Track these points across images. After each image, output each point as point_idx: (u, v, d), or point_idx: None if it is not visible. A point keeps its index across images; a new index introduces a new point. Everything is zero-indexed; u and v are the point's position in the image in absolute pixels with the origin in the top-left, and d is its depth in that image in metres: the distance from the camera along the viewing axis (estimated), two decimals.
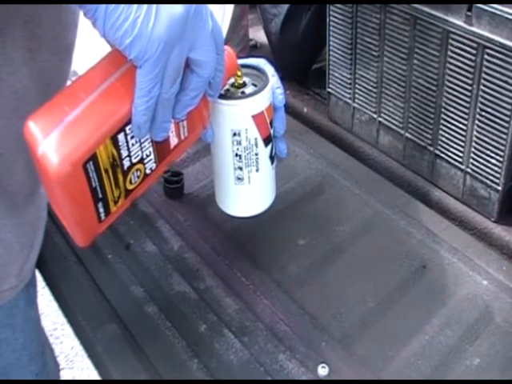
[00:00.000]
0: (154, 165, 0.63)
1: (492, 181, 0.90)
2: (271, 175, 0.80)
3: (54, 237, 0.92)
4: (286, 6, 1.22)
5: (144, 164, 0.62)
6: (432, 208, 0.98)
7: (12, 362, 0.69)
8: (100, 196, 0.59)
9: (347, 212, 0.96)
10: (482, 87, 0.86)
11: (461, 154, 0.94)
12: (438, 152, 0.98)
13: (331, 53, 1.11)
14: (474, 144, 0.91)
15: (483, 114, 0.87)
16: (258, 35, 1.38)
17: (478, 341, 0.76)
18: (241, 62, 0.71)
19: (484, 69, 0.84)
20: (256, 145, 0.73)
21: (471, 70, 0.86)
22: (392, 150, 1.07)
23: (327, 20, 1.08)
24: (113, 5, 0.48)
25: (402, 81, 0.98)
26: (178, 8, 0.50)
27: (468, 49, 0.86)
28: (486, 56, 0.83)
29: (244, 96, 0.69)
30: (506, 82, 0.82)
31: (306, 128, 1.17)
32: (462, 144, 0.93)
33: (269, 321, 0.79)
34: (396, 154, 1.06)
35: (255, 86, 0.71)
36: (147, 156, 0.62)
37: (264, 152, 0.74)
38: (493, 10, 0.81)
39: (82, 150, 0.55)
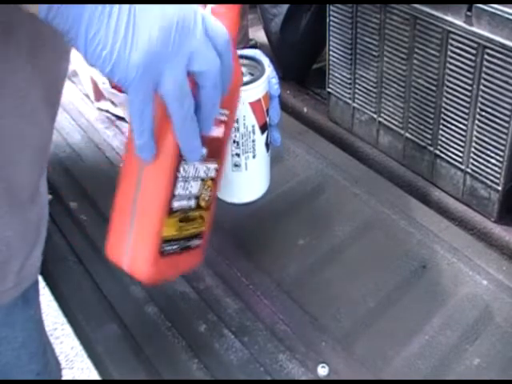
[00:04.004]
0: (214, 172, 0.66)
1: (492, 181, 0.90)
2: (267, 162, 0.84)
3: (54, 237, 0.92)
4: (285, 6, 1.22)
5: (207, 180, 0.65)
6: (432, 208, 0.98)
7: (12, 360, 0.69)
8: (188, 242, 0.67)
9: (347, 212, 0.96)
10: (481, 87, 0.86)
11: (461, 154, 0.94)
12: (437, 152, 0.98)
13: (331, 53, 1.11)
14: (473, 144, 0.91)
15: (483, 113, 0.87)
16: (258, 35, 1.38)
17: (477, 341, 0.76)
18: (237, 52, 0.72)
19: (484, 69, 0.84)
20: (253, 132, 0.76)
21: (471, 70, 0.86)
22: (392, 150, 1.07)
23: (327, 20, 1.08)
24: (92, 32, 0.48)
25: (401, 81, 0.98)
26: (155, 30, 0.49)
27: (468, 49, 0.86)
28: (485, 56, 0.83)
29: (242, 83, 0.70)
30: (506, 81, 0.82)
31: (305, 128, 1.17)
32: (462, 144, 0.93)
33: (269, 321, 0.79)
34: (396, 154, 1.06)
35: (252, 75, 0.74)
36: (206, 172, 0.65)
37: (260, 139, 0.77)
38: (493, 10, 0.81)
39: (153, 251, 0.62)
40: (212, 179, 0.66)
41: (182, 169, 0.61)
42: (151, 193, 0.62)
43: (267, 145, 0.79)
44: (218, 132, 0.63)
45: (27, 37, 0.56)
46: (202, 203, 0.66)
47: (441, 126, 0.95)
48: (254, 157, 0.81)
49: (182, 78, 0.51)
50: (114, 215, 0.64)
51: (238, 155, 0.81)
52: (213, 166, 0.65)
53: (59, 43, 0.62)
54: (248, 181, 0.85)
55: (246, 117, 0.74)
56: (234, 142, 0.80)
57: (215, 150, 0.64)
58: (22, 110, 0.58)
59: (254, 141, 0.79)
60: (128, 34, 0.48)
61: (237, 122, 0.74)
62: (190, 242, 0.68)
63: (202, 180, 0.65)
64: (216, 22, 0.54)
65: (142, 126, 0.53)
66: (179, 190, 0.62)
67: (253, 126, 0.76)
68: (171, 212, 0.63)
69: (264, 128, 0.77)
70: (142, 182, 0.62)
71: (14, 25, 0.54)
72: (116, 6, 0.48)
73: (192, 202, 0.65)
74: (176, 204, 0.63)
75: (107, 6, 0.48)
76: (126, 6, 0.48)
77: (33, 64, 0.58)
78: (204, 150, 0.61)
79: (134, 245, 0.63)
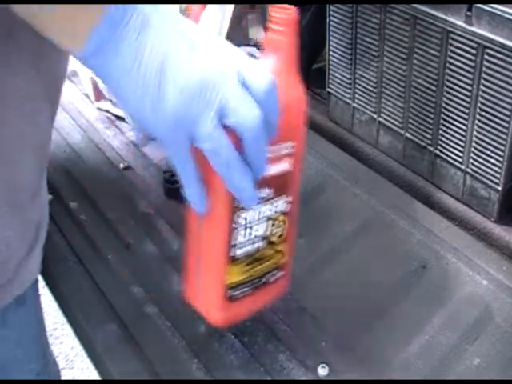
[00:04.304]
0: (285, 205, 0.64)
1: (492, 181, 0.90)
2: None
3: (54, 237, 0.92)
4: None
5: (277, 216, 0.64)
6: (432, 208, 0.98)
7: (9, 359, 0.69)
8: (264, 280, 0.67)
9: (347, 212, 0.96)
10: (481, 87, 0.86)
11: (461, 154, 0.94)
12: (437, 152, 0.98)
13: (331, 53, 1.11)
14: (474, 144, 0.91)
15: (483, 113, 0.87)
16: (258, 35, 1.38)
17: (477, 341, 0.76)
18: None
19: (484, 69, 0.84)
20: None
21: (471, 70, 0.86)
22: (392, 150, 1.07)
23: (327, 20, 1.08)
24: (124, 87, 0.49)
25: (401, 81, 0.98)
26: (183, 86, 0.49)
27: (468, 49, 0.86)
28: (485, 56, 0.83)
29: None
30: (506, 82, 0.82)
31: (305, 128, 1.17)
32: (462, 144, 0.93)
33: (269, 321, 0.79)
34: (396, 154, 1.06)
35: None
36: (274, 210, 0.63)
37: None
38: (493, 10, 0.81)
39: (220, 299, 0.63)
40: (284, 213, 0.64)
41: (240, 217, 0.60)
42: (209, 244, 0.62)
43: None
44: (281, 168, 0.61)
45: (30, 40, 0.56)
46: (274, 239, 0.65)
47: (441, 126, 0.95)
48: None
49: (214, 132, 0.50)
50: (186, 258, 0.65)
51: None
52: (282, 200, 0.63)
53: None
54: None
55: None
56: None
57: (283, 185, 0.62)
58: (22, 110, 0.58)
59: None
60: (156, 91, 0.49)
61: None
62: (265, 278, 0.66)
63: (270, 219, 0.63)
64: (256, 69, 0.52)
65: (187, 179, 0.53)
66: (240, 239, 0.61)
67: None
68: (234, 260, 0.62)
69: None
70: (202, 232, 0.61)
71: (15, 28, 0.54)
72: (145, 59, 0.48)
73: (260, 244, 0.63)
74: (239, 252, 0.62)
75: (137, 58, 0.48)
76: (156, 60, 0.48)
77: (35, 66, 0.58)
78: (266, 191, 0.60)
79: (202, 292, 0.65)
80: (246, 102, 0.50)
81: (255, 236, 0.62)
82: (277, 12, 0.58)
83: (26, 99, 0.58)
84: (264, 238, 0.63)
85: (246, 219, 0.60)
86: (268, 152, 0.54)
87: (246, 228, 0.60)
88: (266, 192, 0.60)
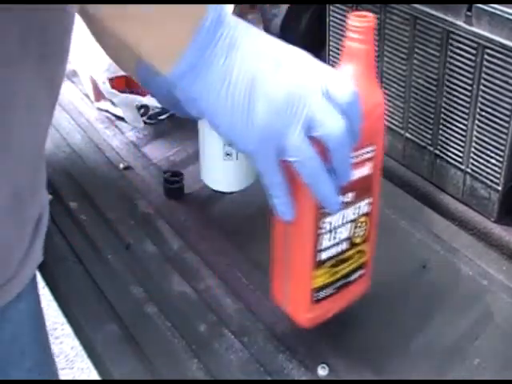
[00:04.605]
0: (367, 207, 0.66)
1: (492, 181, 0.90)
2: None
3: (54, 237, 0.92)
4: (285, 6, 1.22)
5: (359, 218, 0.66)
6: (432, 208, 0.98)
7: (6, 352, 0.69)
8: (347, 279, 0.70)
9: None
10: (481, 87, 0.86)
11: (461, 154, 0.94)
12: (437, 152, 0.98)
13: (331, 53, 1.11)
14: (474, 144, 0.91)
15: (483, 113, 0.87)
16: None
17: (477, 341, 0.76)
18: None
19: (484, 69, 0.84)
20: None
21: (471, 70, 0.86)
22: (392, 150, 1.07)
23: (327, 20, 1.08)
24: (213, 104, 0.52)
25: (401, 81, 0.98)
26: (272, 101, 0.51)
27: (468, 49, 0.86)
28: (485, 56, 0.83)
29: None
30: (506, 82, 0.82)
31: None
32: (462, 144, 0.93)
33: (269, 321, 0.79)
34: (396, 154, 1.06)
35: None
36: (356, 213, 0.65)
37: None
38: (493, 10, 0.81)
39: (306, 301, 0.66)
40: (366, 214, 0.66)
41: (325, 222, 0.62)
42: (296, 250, 0.64)
43: None
44: (363, 171, 0.63)
45: (37, 45, 0.56)
46: (357, 240, 0.67)
47: (441, 126, 0.95)
48: None
49: (302, 144, 0.53)
50: (273, 263, 0.68)
51: (230, 144, 0.81)
52: (364, 202, 0.65)
53: (64, 48, 0.62)
54: (239, 170, 0.88)
55: None
56: None
57: (364, 188, 0.64)
58: (28, 114, 0.58)
59: None
60: (246, 107, 0.52)
61: None
62: (349, 277, 0.69)
63: (353, 221, 0.65)
64: (339, 81, 0.55)
65: (275, 190, 0.56)
66: (325, 243, 0.63)
67: None
68: (319, 264, 0.64)
69: None
70: (288, 238, 0.64)
71: (27, 36, 0.54)
72: (234, 79, 0.51)
73: (343, 246, 0.66)
74: (324, 255, 0.64)
75: (226, 79, 0.51)
76: (244, 80, 0.52)
77: (40, 69, 0.58)
78: (349, 195, 0.62)
79: (290, 295, 0.68)
80: (331, 114, 0.53)
81: (339, 239, 0.64)
82: (355, 20, 0.60)
83: (32, 103, 0.59)
84: (347, 239, 0.65)
85: (330, 224, 0.62)
86: (351, 158, 0.57)
87: (330, 232, 0.63)
88: (349, 196, 0.62)
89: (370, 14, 0.62)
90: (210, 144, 0.86)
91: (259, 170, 0.56)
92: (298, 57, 0.55)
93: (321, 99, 0.52)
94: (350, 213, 0.64)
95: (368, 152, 0.63)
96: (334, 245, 0.64)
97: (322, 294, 0.67)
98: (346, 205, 0.63)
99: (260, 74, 0.52)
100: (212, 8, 0.51)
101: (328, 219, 0.62)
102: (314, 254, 0.63)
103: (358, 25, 0.60)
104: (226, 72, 0.51)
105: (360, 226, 0.66)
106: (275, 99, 0.51)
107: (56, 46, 0.60)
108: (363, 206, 0.65)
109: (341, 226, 0.64)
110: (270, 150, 0.53)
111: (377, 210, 0.68)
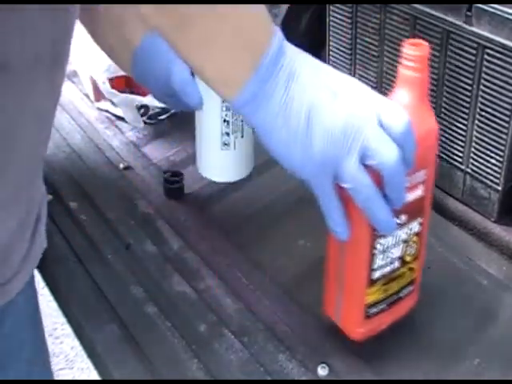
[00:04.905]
0: (418, 227, 0.67)
1: (492, 181, 0.90)
2: (252, 142, 0.89)
3: (54, 237, 0.92)
4: (285, 6, 1.22)
5: (411, 238, 0.68)
6: (432, 208, 0.98)
7: (3, 346, 0.69)
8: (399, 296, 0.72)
9: None
10: (481, 87, 0.86)
11: (461, 154, 0.94)
12: (437, 152, 0.98)
13: (331, 53, 1.11)
14: (473, 144, 0.91)
15: (483, 113, 0.87)
16: None
17: (477, 341, 0.76)
18: None
19: (484, 69, 0.84)
20: None
21: (471, 70, 0.86)
22: None
23: (327, 20, 1.08)
24: (272, 131, 0.54)
25: None
26: (328, 131, 0.53)
27: (468, 49, 0.86)
28: (485, 56, 0.83)
29: None
30: (506, 82, 0.82)
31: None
32: (462, 144, 0.93)
33: (269, 321, 0.79)
34: None
35: None
36: (408, 233, 0.67)
37: None
38: (493, 10, 0.81)
39: (359, 317, 0.69)
40: (417, 234, 0.67)
41: (378, 244, 0.64)
42: (350, 269, 0.67)
43: None
44: (416, 194, 0.64)
45: (49, 60, 0.56)
46: (408, 258, 0.68)
47: (441, 126, 0.95)
48: (242, 136, 0.85)
49: (357, 172, 0.55)
50: (327, 279, 0.71)
51: (227, 134, 0.84)
52: (415, 222, 0.66)
53: (67, 54, 0.62)
54: (236, 160, 0.89)
55: None
56: (225, 121, 0.84)
57: (416, 209, 0.66)
58: (37, 123, 0.58)
59: (242, 120, 0.82)
60: (304, 137, 0.54)
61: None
62: (399, 294, 0.71)
63: (405, 241, 0.66)
64: (393, 111, 0.56)
65: (332, 214, 0.59)
66: (379, 262, 0.65)
67: None
68: (372, 282, 0.66)
69: None
70: (342, 257, 0.66)
71: (42, 54, 0.54)
72: (293, 110, 0.54)
73: (395, 264, 0.68)
74: (377, 274, 0.66)
75: (286, 109, 0.54)
76: (302, 111, 0.54)
77: (50, 80, 0.58)
78: (402, 218, 0.64)
79: (343, 310, 0.71)
80: (385, 143, 0.55)
81: (391, 258, 0.66)
82: (410, 49, 0.62)
83: (42, 113, 0.59)
84: (399, 258, 0.67)
85: (383, 244, 0.64)
86: (405, 183, 0.59)
87: (383, 252, 0.65)
88: (402, 218, 0.64)
89: (425, 43, 0.64)
90: (208, 134, 0.87)
91: (316, 195, 0.58)
92: (353, 86, 0.57)
93: (376, 129, 0.54)
94: (403, 233, 0.66)
95: (420, 176, 0.65)
96: (386, 264, 0.67)
97: (373, 310, 0.69)
98: (399, 226, 0.65)
99: (317, 104, 0.54)
100: (274, 38, 0.53)
101: (382, 240, 0.64)
102: (368, 273, 0.66)
103: (413, 53, 0.62)
104: (285, 103, 0.53)
105: (411, 246, 0.68)
106: (332, 129, 0.53)
107: (63, 50, 0.60)
108: (415, 226, 0.67)
109: (393, 247, 0.66)
110: (326, 178, 0.55)
111: (426, 229, 0.70)
